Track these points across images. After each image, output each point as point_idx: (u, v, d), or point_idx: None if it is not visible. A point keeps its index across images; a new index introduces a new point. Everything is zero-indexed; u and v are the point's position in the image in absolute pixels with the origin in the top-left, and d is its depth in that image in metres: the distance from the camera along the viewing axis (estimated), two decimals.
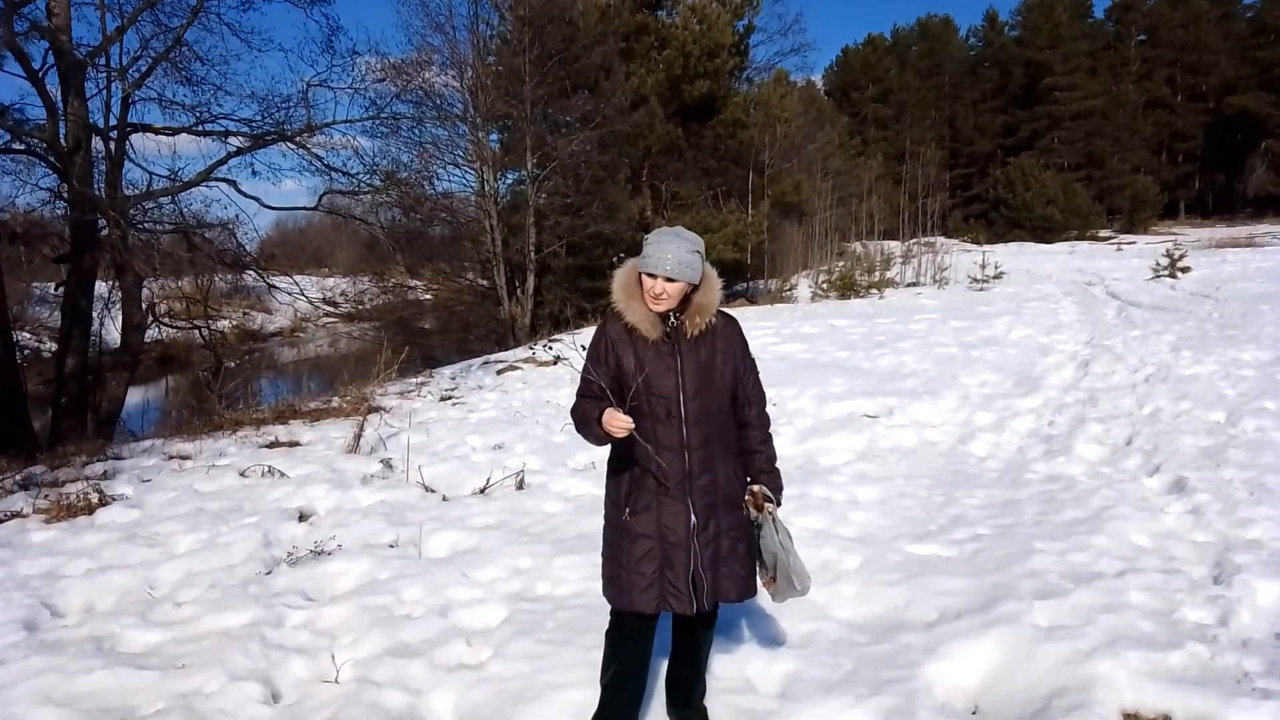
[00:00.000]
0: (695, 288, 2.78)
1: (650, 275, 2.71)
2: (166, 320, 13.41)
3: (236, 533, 5.38)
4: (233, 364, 16.80)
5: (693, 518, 2.78)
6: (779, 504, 2.96)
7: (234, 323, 28.95)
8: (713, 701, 3.19)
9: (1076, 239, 50.76)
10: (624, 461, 2.85)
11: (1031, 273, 28.39)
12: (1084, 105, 60.47)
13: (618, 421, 2.61)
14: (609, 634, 2.96)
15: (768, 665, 3.51)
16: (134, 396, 18.16)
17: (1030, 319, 15.33)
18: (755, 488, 2.93)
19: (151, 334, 15.53)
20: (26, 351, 15.74)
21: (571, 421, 2.85)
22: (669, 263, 2.68)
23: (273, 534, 5.41)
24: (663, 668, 3.22)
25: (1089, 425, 7.30)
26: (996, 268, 24.96)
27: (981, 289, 23.05)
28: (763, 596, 3.13)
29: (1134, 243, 45.04)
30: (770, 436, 3.04)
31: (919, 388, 9.23)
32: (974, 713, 3.27)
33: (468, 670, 3.55)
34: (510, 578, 4.49)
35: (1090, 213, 53.84)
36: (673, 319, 2.78)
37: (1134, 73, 63.35)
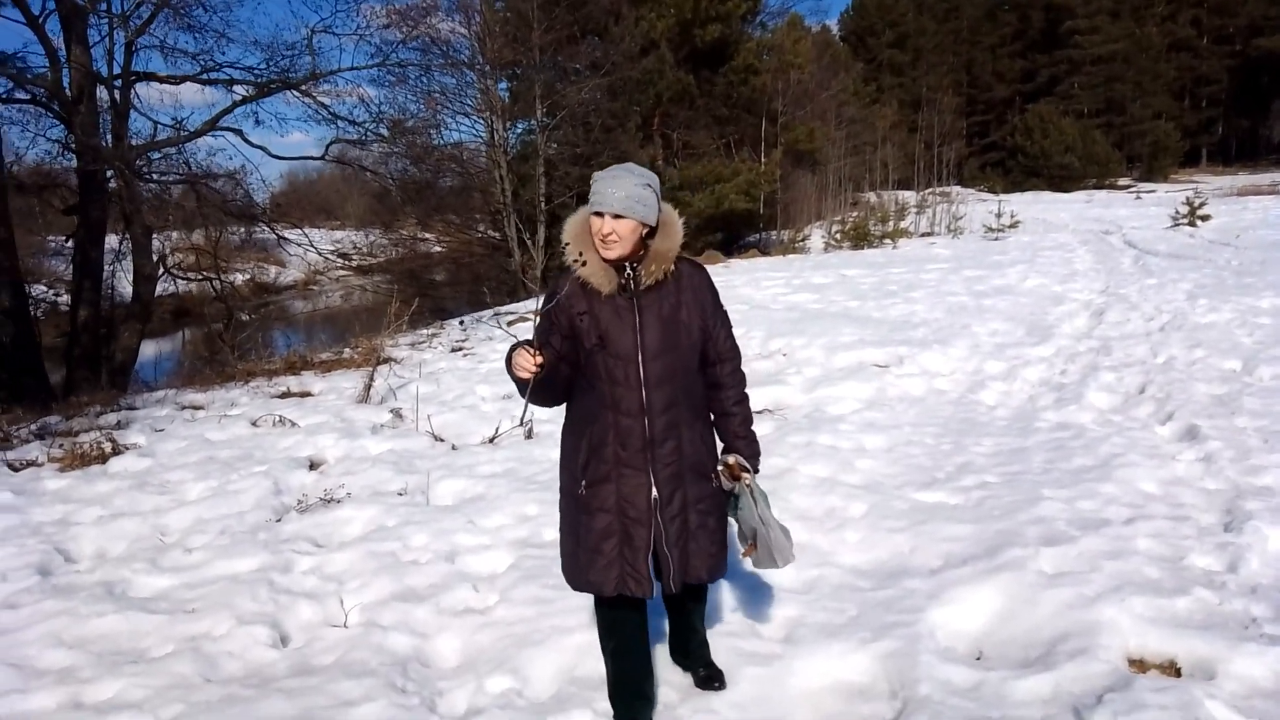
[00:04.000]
0: (652, 231, 2.50)
1: (597, 214, 2.43)
2: (177, 272, 13.41)
3: (246, 480, 5.43)
4: (246, 316, 16.88)
5: (654, 490, 2.53)
6: (756, 471, 2.75)
7: (247, 275, 28.97)
8: (715, 644, 3.21)
9: (1095, 187, 49.98)
10: (580, 424, 2.60)
11: (1047, 222, 27.99)
12: (1105, 49, 58.98)
13: (521, 358, 2.31)
14: (597, 609, 2.77)
15: (771, 609, 3.52)
16: (149, 349, 18.29)
17: (1045, 268, 15.14)
18: (730, 457, 2.69)
19: (166, 287, 15.59)
20: (43, 304, 15.85)
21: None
22: (618, 198, 2.39)
23: (283, 482, 5.45)
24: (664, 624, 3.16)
25: (1101, 373, 7.23)
26: (1012, 217, 24.62)
27: (996, 238, 22.76)
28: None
29: (1154, 191, 44.24)
30: (745, 397, 2.78)
31: (929, 337, 9.15)
32: (978, 658, 3.28)
33: (474, 614, 3.59)
34: (517, 524, 4.51)
35: (1109, 160, 52.89)
36: (629, 270, 2.49)
37: (1158, 14, 61.59)
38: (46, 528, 4.75)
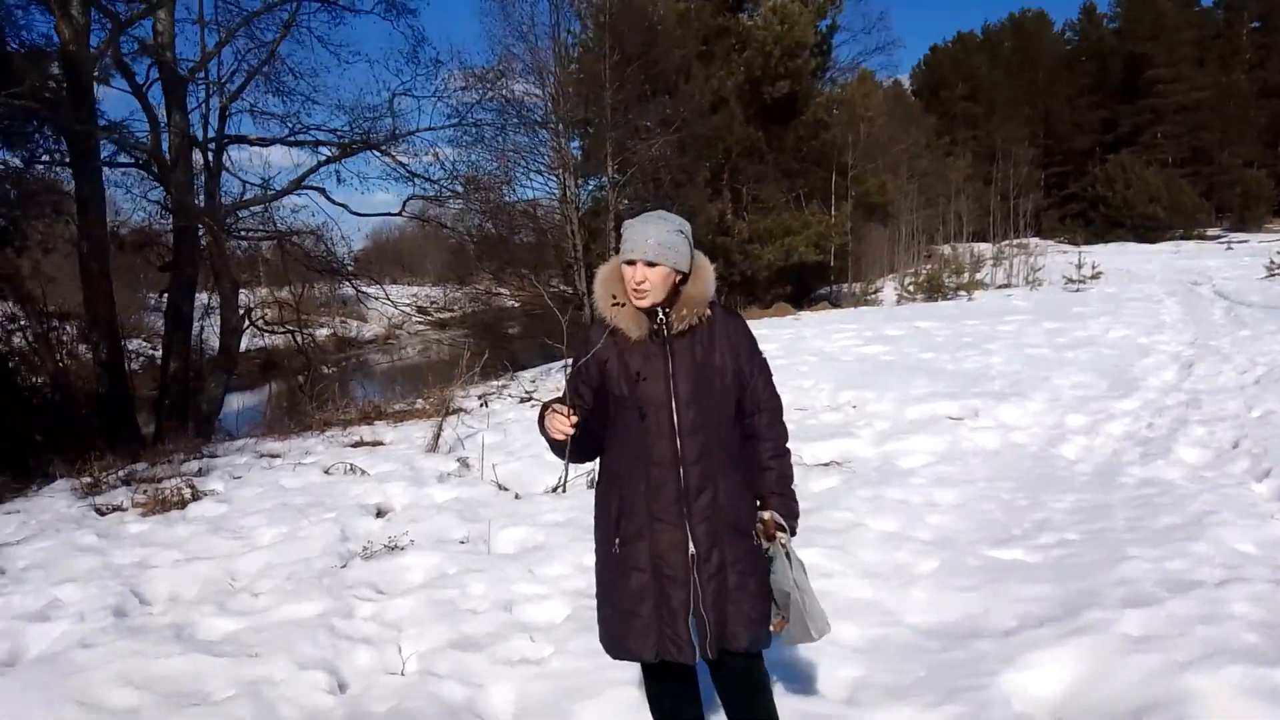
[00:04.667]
0: (685, 279, 2.43)
1: (629, 263, 2.38)
2: (262, 325, 13.94)
3: (316, 527, 5.53)
4: (326, 369, 17.41)
5: (691, 546, 2.38)
6: (793, 533, 2.57)
7: (331, 330, 29.94)
8: (777, 705, 3.10)
9: (1182, 238, 48.36)
10: (612, 482, 2.47)
11: (1132, 273, 27.13)
12: (1190, 97, 57.51)
13: (555, 421, 2.23)
14: (645, 678, 2.64)
15: (833, 668, 3.38)
16: (237, 401, 18.97)
17: (1129, 319, 14.61)
18: (765, 514, 2.53)
19: (253, 341, 16.22)
20: (141, 358, 16.62)
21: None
22: (650, 245, 2.34)
23: (349, 528, 5.53)
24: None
25: (1191, 428, 6.88)
26: (1094, 267, 23.93)
27: (1078, 290, 22.12)
28: None
29: (1246, 241, 42.60)
30: (786, 452, 2.60)
31: (1006, 389, 8.87)
32: None
33: (528, 664, 3.54)
34: (575, 574, 4.47)
35: (1197, 210, 51.22)
36: (661, 315, 2.42)
37: (1246, 61, 59.96)
38: (125, 570, 4.90)
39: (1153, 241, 47.14)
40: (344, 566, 4.82)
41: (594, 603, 3.81)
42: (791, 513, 2.58)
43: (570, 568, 4.57)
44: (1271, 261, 21.27)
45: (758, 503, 2.56)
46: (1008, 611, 3.84)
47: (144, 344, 18.53)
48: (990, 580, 4.15)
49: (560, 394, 2.35)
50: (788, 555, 2.51)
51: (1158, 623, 3.53)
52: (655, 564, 2.39)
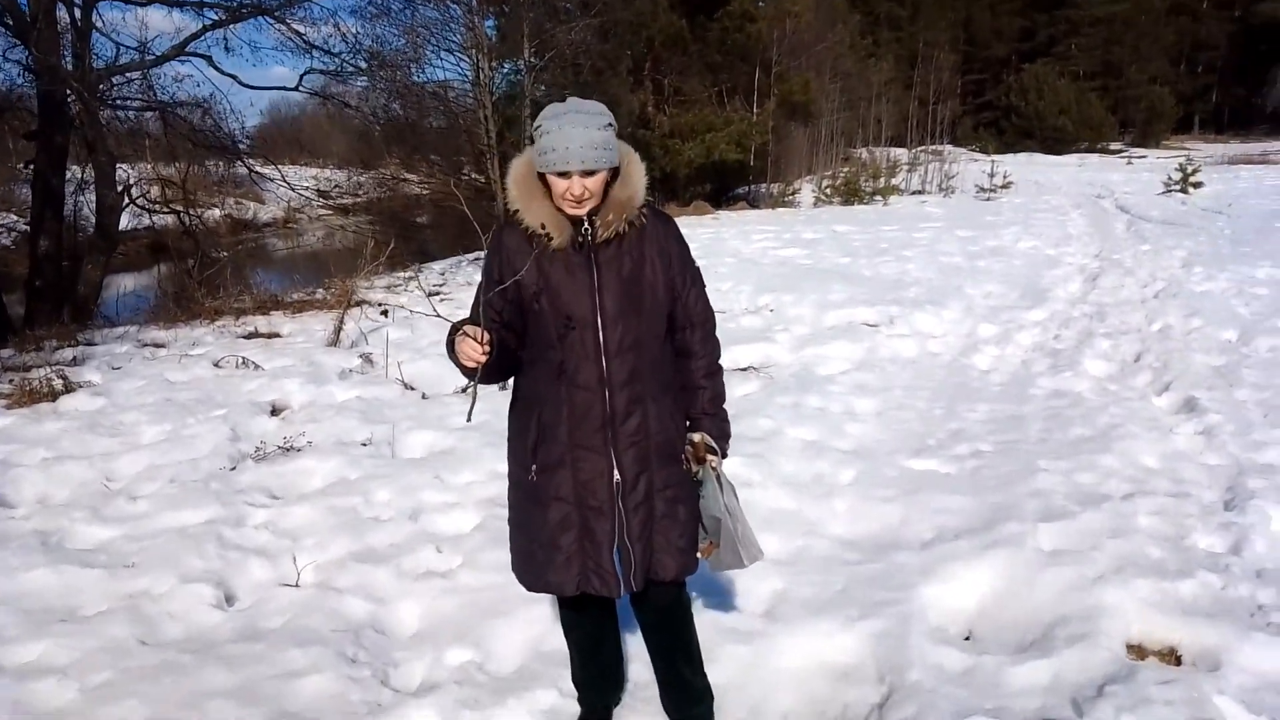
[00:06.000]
0: (613, 175, 2.11)
1: (561, 175, 2.02)
2: (144, 203, 12.89)
3: (204, 425, 5.15)
4: (222, 254, 16.35)
5: (617, 474, 2.17)
6: (724, 455, 2.37)
7: (225, 212, 28.18)
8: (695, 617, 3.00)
9: (1087, 151, 49.58)
10: (528, 402, 2.23)
11: (1040, 184, 27.67)
12: (1105, 10, 58.08)
13: (467, 346, 1.95)
14: (560, 607, 2.48)
15: (753, 582, 3.30)
16: (124, 283, 17.75)
17: (1038, 230, 14.90)
18: (695, 435, 2.32)
19: (139, 220, 15.01)
20: (15, 234, 15.22)
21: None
22: (584, 151, 1.99)
23: (242, 428, 5.18)
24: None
25: (1097, 340, 7.03)
26: (1005, 177, 24.27)
27: (989, 199, 22.46)
28: None
29: (1145, 157, 43.93)
30: (719, 369, 2.39)
31: (922, 297, 8.92)
32: (967, 638, 3.09)
33: (436, 578, 3.35)
34: (487, 481, 4.27)
35: (1103, 124, 52.42)
36: (585, 221, 2.11)
37: None
38: None
39: (1059, 153, 48.15)
40: (234, 469, 4.49)
41: (506, 513, 3.61)
42: (724, 434, 2.38)
43: (482, 474, 4.35)
44: (1169, 178, 21.96)
45: (687, 424, 2.35)
46: (925, 523, 3.83)
47: (17, 219, 17.01)
48: (908, 491, 4.13)
49: (471, 314, 2.04)
50: (718, 479, 2.32)
51: (1069, 536, 3.57)
52: (578, 494, 2.18)
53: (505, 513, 3.64)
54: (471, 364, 1.96)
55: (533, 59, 20.19)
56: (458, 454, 4.65)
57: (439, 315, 1.98)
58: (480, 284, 2.15)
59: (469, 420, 2.03)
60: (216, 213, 25.27)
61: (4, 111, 11.36)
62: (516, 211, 2.10)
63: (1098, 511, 3.77)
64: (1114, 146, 52.11)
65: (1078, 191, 24.14)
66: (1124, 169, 35.15)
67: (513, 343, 2.16)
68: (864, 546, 3.68)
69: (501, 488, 4.21)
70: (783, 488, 4.20)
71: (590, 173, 2.02)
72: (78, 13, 10.69)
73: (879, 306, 8.35)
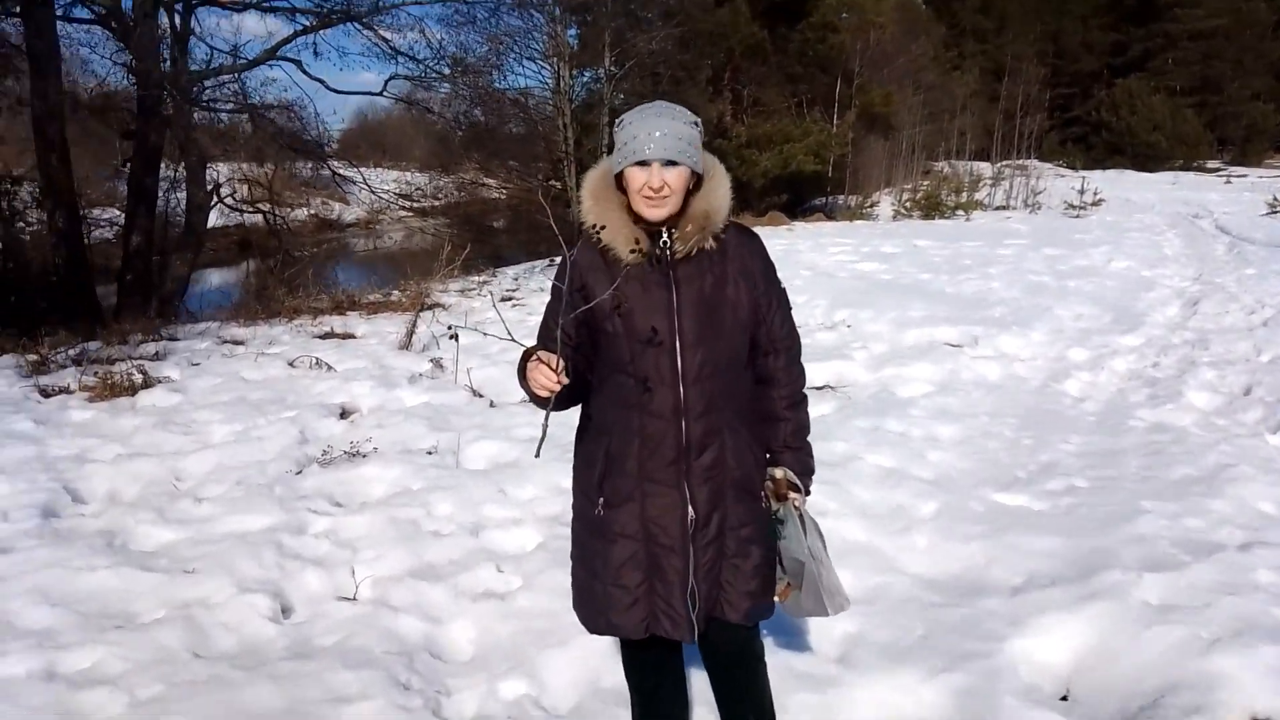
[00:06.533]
0: (695, 186, 1.97)
1: (641, 164, 1.88)
2: (232, 203, 13.24)
3: (273, 426, 5.16)
4: (307, 252, 16.75)
5: (690, 510, 2.00)
6: (808, 492, 2.18)
7: (312, 211, 28.97)
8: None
9: (1181, 169, 47.53)
10: (599, 433, 2.06)
11: (1132, 202, 26.57)
12: (1206, 24, 55.62)
13: (540, 374, 1.78)
14: (623, 647, 2.31)
15: (828, 622, 3.06)
16: (213, 278, 18.36)
17: (1131, 250, 14.22)
18: (777, 471, 2.13)
19: (230, 218, 15.45)
20: (115, 226, 15.80)
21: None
22: (667, 141, 1.86)
23: (310, 430, 5.17)
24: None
25: (1200, 370, 6.57)
26: (1095, 194, 23.35)
27: (1078, 216, 21.63)
28: None
29: (1245, 175, 41.89)
30: (803, 399, 2.20)
31: (1007, 317, 8.53)
32: (1064, 698, 2.83)
33: (493, 599, 3.23)
34: (550, 498, 4.14)
35: (1199, 141, 50.23)
36: (664, 235, 1.96)
37: None
38: (61, 463, 4.52)
39: (1151, 170, 46.32)
40: (299, 473, 4.46)
41: (569, 532, 3.46)
42: (807, 470, 2.19)
43: (546, 489, 4.23)
44: (1274, 198, 20.80)
45: (767, 457, 2.16)
46: (1015, 566, 3.55)
47: (119, 212, 17.71)
48: (995, 529, 3.86)
49: (540, 337, 1.91)
50: (801, 519, 2.12)
51: (1178, 590, 3.25)
52: (648, 530, 2.01)
53: (568, 531, 3.50)
54: (545, 393, 1.79)
55: (613, 67, 20.20)
56: (521, 467, 4.53)
57: (512, 339, 1.83)
58: (549, 303, 2.00)
59: (538, 456, 1.87)
60: (303, 212, 25.98)
61: (106, 111, 11.79)
62: (591, 225, 1.95)
63: (1210, 563, 3.44)
64: (1210, 164, 49.86)
65: (1172, 210, 23.07)
66: (1222, 188, 33.56)
67: (583, 366, 2.01)
68: (947, 588, 3.43)
69: (565, 504, 4.07)
70: (859, 519, 3.96)
71: (672, 164, 1.89)
72: (178, 18, 11.03)
73: (961, 326, 8.00)
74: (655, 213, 1.92)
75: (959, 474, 4.62)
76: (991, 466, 4.75)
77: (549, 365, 1.78)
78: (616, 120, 2.00)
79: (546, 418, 1.82)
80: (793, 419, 2.17)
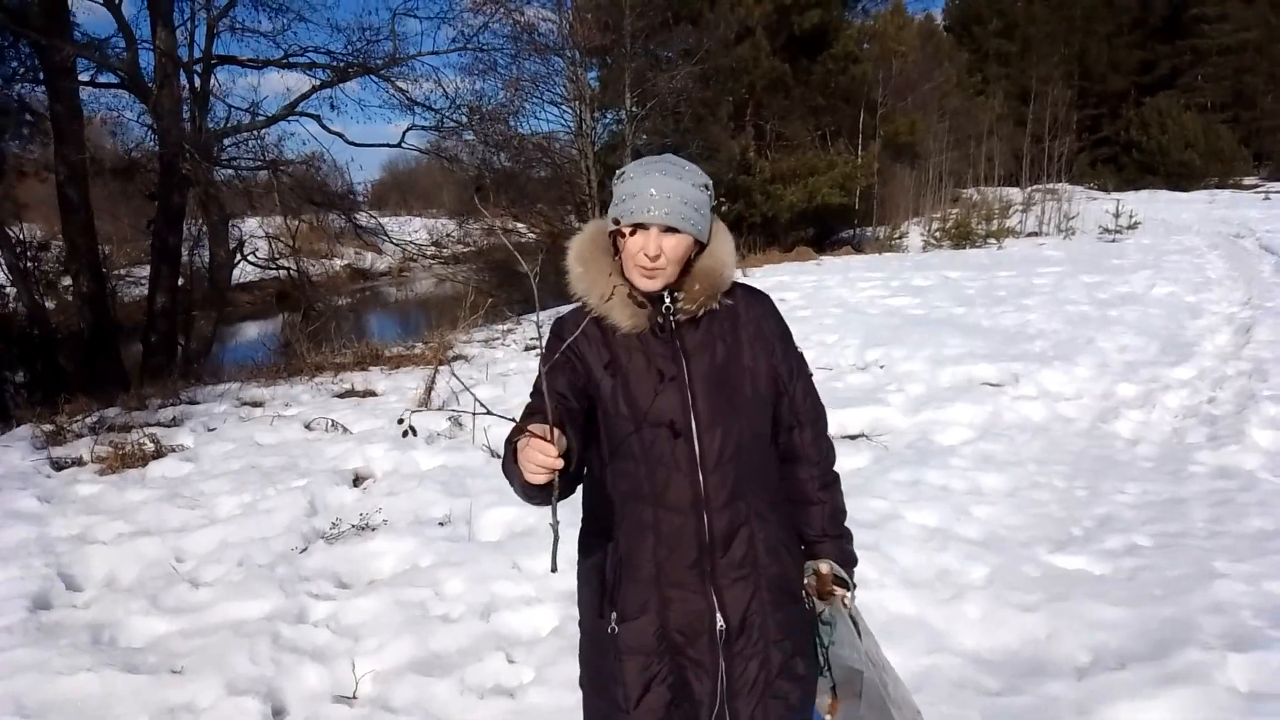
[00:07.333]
0: (701, 247, 1.74)
1: (639, 227, 1.66)
2: (254, 260, 13.28)
3: (283, 496, 4.95)
4: (335, 304, 16.77)
5: (720, 618, 1.71)
6: (853, 587, 1.87)
7: (345, 261, 29.34)
8: None
9: (1217, 186, 46.58)
10: (604, 532, 1.76)
11: (1168, 223, 25.95)
12: (1235, 38, 54.86)
13: (533, 454, 1.40)
14: None
15: None
16: (248, 331, 18.48)
17: (1173, 274, 13.73)
18: (821, 565, 1.84)
19: (258, 274, 15.53)
20: (139, 286, 15.97)
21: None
22: (669, 203, 1.63)
23: (320, 499, 4.96)
24: None
25: (1261, 404, 6.15)
26: (1131, 216, 22.81)
27: (1113, 240, 21.12)
28: None
29: None
30: (836, 477, 1.91)
31: (1048, 351, 8.15)
32: None
33: (502, 696, 2.95)
34: (567, 571, 3.82)
35: (1235, 157, 49.24)
36: (668, 301, 1.72)
37: None
38: (61, 545, 4.34)
39: (1186, 189, 45.43)
40: (304, 551, 4.23)
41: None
42: (850, 559, 1.89)
43: (563, 561, 3.94)
44: None
45: (802, 548, 1.88)
46: (1078, 640, 3.21)
47: (142, 274, 17.94)
48: (1054, 596, 3.52)
49: (528, 413, 1.58)
50: (852, 618, 1.82)
51: (1270, 672, 2.89)
52: (671, 644, 1.71)
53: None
54: (543, 476, 1.42)
55: (634, 108, 20.21)
56: (538, 535, 4.27)
57: (489, 412, 1.52)
58: (536, 379, 1.73)
59: (554, 570, 1.58)
60: (337, 263, 26.25)
61: (129, 174, 11.90)
62: (579, 298, 1.72)
63: None
64: (1247, 181, 48.84)
65: (1212, 230, 22.44)
66: (1261, 205, 32.69)
67: (576, 443, 1.61)
68: (1004, 669, 3.10)
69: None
70: (902, 587, 3.65)
71: (672, 232, 1.66)
72: (197, 79, 11.13)
73: (1001, 363, 7.64)
74: (648, 284, 1.69)
75: (1009, 531, 4.27)
76: (1044, 522, 4.40)
77: (543, 437, 1.42)
78: (618, 172, 1.76)
79: (555, 512, 1.50)
80: (829, 501, 1.89)
